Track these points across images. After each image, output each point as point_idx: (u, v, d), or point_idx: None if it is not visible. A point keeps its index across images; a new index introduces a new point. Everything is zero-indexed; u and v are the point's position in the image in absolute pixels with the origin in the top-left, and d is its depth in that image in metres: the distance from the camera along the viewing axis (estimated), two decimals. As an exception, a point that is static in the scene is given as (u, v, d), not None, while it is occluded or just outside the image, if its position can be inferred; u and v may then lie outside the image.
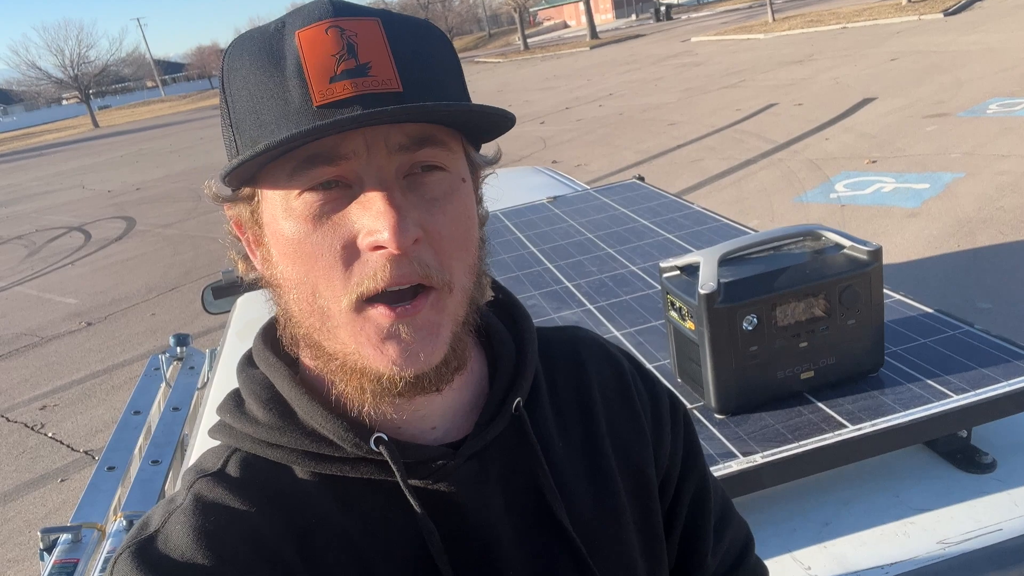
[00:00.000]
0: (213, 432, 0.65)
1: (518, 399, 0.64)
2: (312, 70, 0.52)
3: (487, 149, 0.64)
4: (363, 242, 0.53)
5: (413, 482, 0.59)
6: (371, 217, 0.52)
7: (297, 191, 0.54)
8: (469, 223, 0.58)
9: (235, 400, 0.65)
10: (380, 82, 0.52)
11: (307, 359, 0.62)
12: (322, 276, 0.54)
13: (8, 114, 78.99)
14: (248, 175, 0.56)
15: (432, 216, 0.55)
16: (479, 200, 0.64)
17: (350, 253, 0.53)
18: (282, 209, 0.55)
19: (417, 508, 0.58)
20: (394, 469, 0.58)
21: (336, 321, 0.55)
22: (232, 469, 0.61)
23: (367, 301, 0.54)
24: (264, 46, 0.54)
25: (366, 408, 0.57)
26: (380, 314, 0.54)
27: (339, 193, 0.54)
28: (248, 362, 0.66)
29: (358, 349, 0.55)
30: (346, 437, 0.58)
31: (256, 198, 0.58)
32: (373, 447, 0.58)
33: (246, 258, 0.63)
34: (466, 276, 0.58)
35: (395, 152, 0.53)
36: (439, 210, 0.55)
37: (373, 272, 0.53)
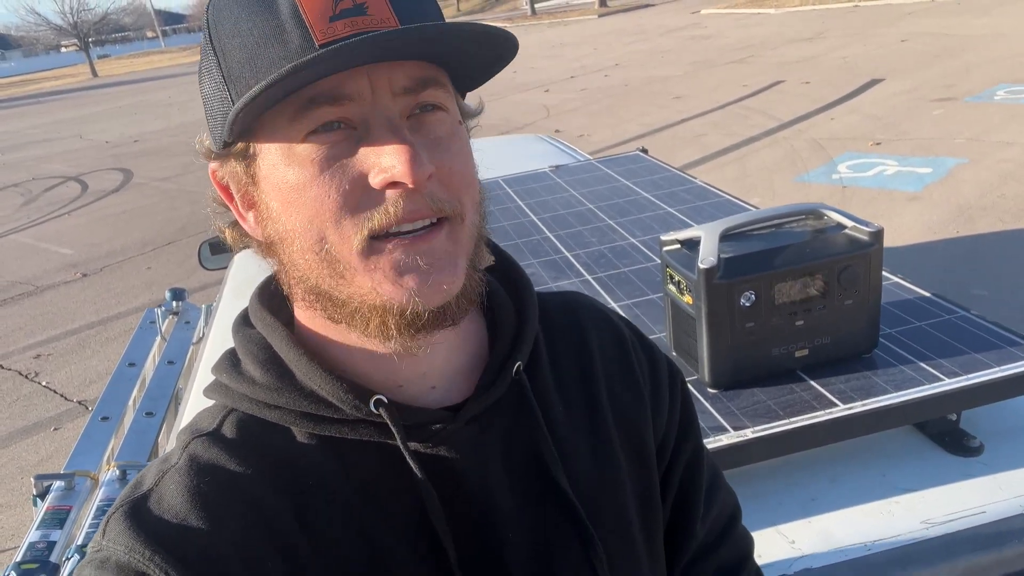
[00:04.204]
0: (208, 391, 0.64)
1: (518, 363, 0.64)
2: (310, 12, 0.52)
3: (470, 103, 0.64)
4: (375, 180, 0.52)
5: (413, 445, 0.59)
6: (384, 155, 0.52)
7: (300, 136, 0.53)
8: (471, 162, 0.59)
9: (231, 359, 0.64)
10: (378, 21, 0.52)
11: (308, 318, 0.62)
12: (329, 219, 0.53)
13: (6, 59, 77.89)
14: (245, 126, 0.54)
15: (440, 153, 0.55)
16: None
17: (359, 193, 0.53)
18: (284, 157, 0.54)
19: (417, 472, 0.58)
20: (394, 432, 0.58)
21: (347, 264, 0.54)
22: (228, 430, 0.60)
23: (378, 240, 0.54)
24: None
25: (393, 344, 0.56)
26: (393, 247, 0.53)
27: (345, 135, 0.53)
28: (244, 321, 0.66)
29: (375, 287, 0.54)
30: (345, 398, 0.58)
31: (251, 152, 0.56)
32: (373, 409, 0.58)
33: (235, 225, 0.62)
34: (474, 212, 0.58)
35: (400, 94, 0.53)
36: (445, 148, 0.55)
37: (385, 207, 0.53)
